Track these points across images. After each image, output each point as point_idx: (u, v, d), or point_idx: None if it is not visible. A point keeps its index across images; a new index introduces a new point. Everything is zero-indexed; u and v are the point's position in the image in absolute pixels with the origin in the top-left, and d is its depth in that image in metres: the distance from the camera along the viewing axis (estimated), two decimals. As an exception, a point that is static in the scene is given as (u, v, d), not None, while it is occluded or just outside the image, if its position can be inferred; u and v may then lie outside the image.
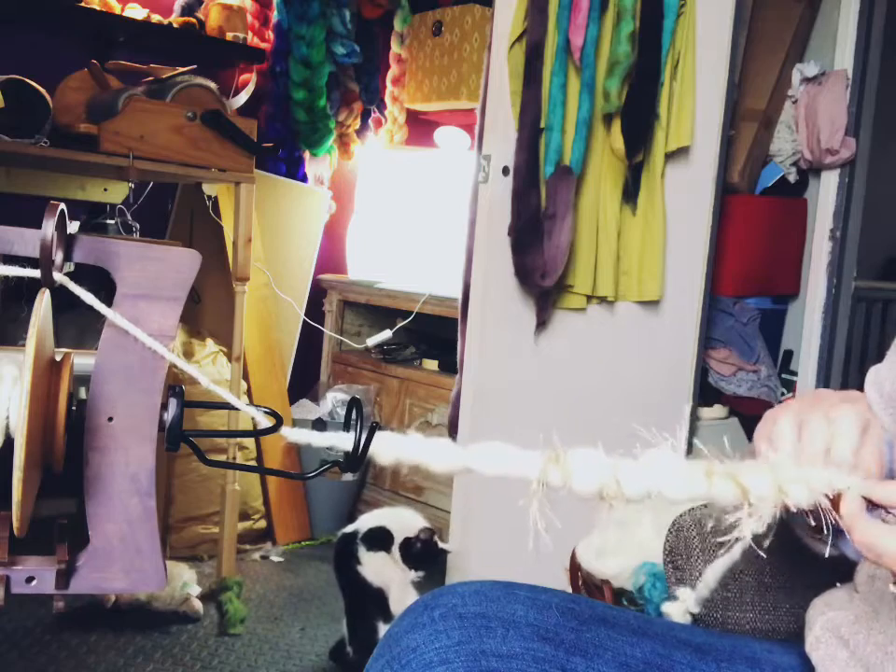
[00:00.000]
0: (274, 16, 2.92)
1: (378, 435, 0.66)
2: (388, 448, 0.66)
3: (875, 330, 3.15)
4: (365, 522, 2.00)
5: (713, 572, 0.90)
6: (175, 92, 2.11)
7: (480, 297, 2.08)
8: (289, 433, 0.66)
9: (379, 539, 1.95)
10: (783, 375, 2.87)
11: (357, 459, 0.65)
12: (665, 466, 0.63)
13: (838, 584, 0.82)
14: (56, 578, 0.63)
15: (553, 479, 0.63)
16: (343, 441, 0.66)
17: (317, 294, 3.15)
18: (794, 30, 2.68)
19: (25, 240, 0.62)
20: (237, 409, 0.68)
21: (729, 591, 1.04)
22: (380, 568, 1.91)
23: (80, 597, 2.14)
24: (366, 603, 1.90)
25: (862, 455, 0.69)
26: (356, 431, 0.66)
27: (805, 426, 0.70)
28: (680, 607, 0.96)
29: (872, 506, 0.64)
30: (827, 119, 2.64)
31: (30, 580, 0.62)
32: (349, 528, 2.00)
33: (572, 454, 0.64)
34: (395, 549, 1.95)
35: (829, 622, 0.77)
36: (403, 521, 2.01)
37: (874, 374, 0.91)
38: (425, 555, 1.95)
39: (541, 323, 2.11)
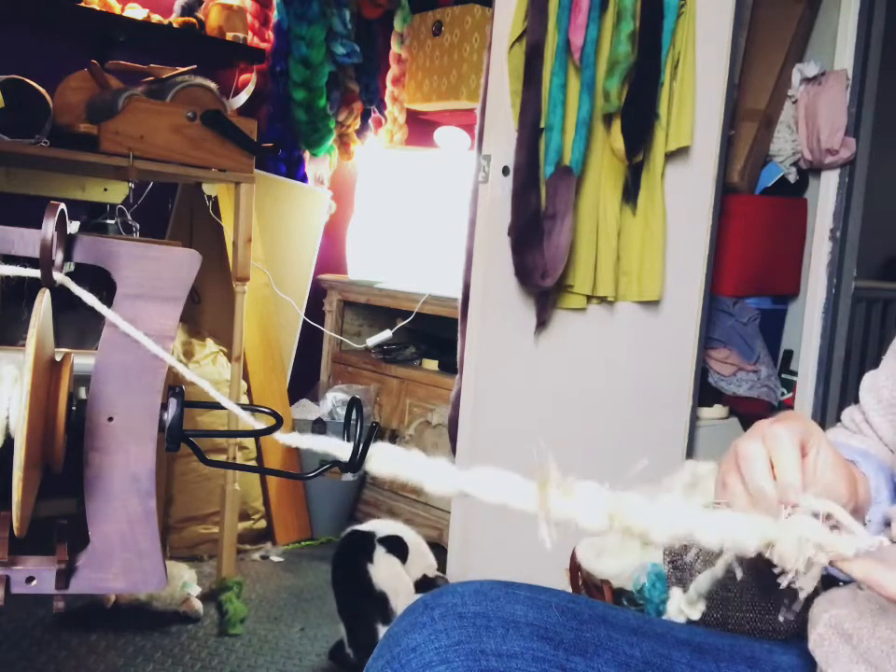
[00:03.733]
0: (274, 16, 2.92)
1: (378, 448, 0.65)
2: (387, 462, 0.65)
3: (875, 330, 3.15)
4: (381, 527, 2.01)
5: (705, 579, 0.90)
6: (174, 92, 2.11)
7: (480, 297, 2.08)
8: (285, 438, 0.65)
9: (397, 547, 1.96)
10: (783, 375, 2.87)
11: (358, 460, 0.65)
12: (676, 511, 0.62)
13: (841, 583, 0.82)
14: (56, 578, 0.62)
15: (556, 512, 0.61)
16: (339, 449, 0.65)
17: (317, 294, 3.15)
18: (794, 30, 2.68)
19: (25, 240, 0.62)
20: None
21: (729, 591, 1.04)
22: (393, 573, 1.92)
23: (80, 597, 2.14)
24: (366, 603, 1.90)
25: (808, 469, 0.67)
26: (356, 432, 0.66)
27: (742, 463, 0.69)
28: (674, 605, 0.96)
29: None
30: (827, 119, 2.64)
31: (30, 580, 0.62)
32: (364, 527, 2.01)
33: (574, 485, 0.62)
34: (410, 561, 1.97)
35: (832, 618, 0.77)
36: (418, 547, 2.02)
37: (870, 380, 0.92)
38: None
39: (541, 323, 2.10)
